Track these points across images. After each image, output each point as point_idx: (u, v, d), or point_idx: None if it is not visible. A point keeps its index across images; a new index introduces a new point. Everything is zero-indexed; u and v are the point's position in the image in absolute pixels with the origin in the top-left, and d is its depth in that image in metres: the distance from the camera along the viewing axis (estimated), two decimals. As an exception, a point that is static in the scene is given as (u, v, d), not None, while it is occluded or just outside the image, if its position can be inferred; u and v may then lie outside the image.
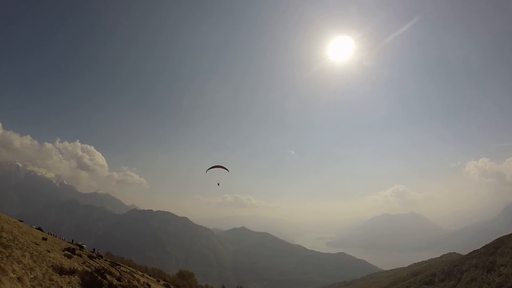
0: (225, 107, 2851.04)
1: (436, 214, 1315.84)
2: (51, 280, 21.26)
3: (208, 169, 76.45)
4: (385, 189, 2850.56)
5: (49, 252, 33.85)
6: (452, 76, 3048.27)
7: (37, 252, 28.46)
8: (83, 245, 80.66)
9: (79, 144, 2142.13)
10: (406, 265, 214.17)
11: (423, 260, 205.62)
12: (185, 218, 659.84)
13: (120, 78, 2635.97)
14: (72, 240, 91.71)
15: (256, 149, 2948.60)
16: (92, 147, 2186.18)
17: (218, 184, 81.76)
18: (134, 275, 64.86)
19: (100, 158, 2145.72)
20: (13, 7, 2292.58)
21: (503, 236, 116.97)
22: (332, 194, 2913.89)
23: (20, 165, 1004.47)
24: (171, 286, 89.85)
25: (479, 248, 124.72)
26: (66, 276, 25.56)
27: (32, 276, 19.08)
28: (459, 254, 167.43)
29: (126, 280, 44.94)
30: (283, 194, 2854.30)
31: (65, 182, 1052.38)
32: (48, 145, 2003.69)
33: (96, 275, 31.45)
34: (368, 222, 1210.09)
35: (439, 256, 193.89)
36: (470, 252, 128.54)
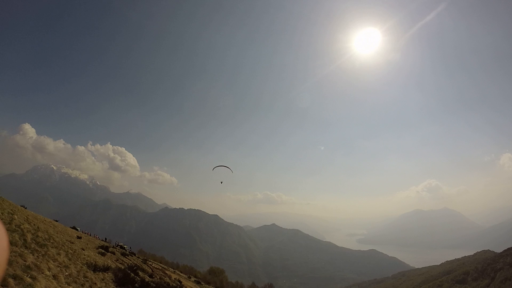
0: (250, 103, 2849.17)
1: (470, 209, 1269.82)
2: (85, 277, 21.91)
3: (214, 168, 79.62)
4: (417, 184, 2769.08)
5: (83, 250, 35.03)
6: (483, 64, 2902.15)
7: (72, 250, 29.47)
8: (124, 246, 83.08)
9: (110, 146, 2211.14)
10: (439, 263, 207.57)
11: (456, 258, 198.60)
12: (216, 216, 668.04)
13: (148, 80, 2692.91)
14: (106, 238, 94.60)
15: (285, 146, 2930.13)
16: (123, 148, 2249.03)
17: (221, 182, 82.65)
18: (166, 271, 66.10)
19: (131, 158, 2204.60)
20: (40, 15, 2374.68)
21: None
22: (363, 191, 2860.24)
23: (54, 168, 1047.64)
24: (202, 283, 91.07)
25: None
26: (100, 273, 26.32)
27: (67, 273, 19.70)
28: (493, 251, 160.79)
29: (158, 277, 45.86)
30: (314, 191, 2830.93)
31: (98, 183, 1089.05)
32: (81, 148, 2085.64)
33: (128, 271, 32.25)
34: (399, 218, 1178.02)
35: (472, 253, 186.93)
36: (505, 250, 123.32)
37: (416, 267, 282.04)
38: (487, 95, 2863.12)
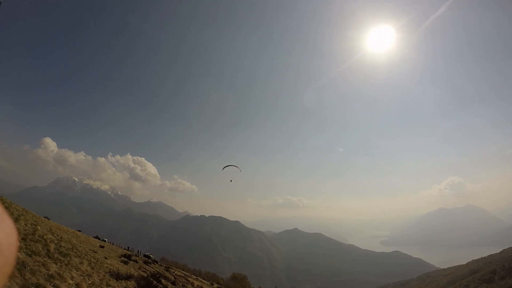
0: (268, 108, 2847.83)
1: (494, 205, 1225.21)
2: (108, 285, 21.98)
3: (224, 167, 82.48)
4: (439, 182, 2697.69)
5: (106, 258, 35.33)
6: (495, 55, 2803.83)
7: (94, 259, 29.73)
8: (150, 255, 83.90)
9: (130, 156, 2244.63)
10: (464, 263, 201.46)
11: (482, 256, 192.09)
12: (237, 222, 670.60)
13: (164, 92, 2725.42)
14: (128, 247, 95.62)
15: (304, 149, 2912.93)
16: (143, 158, 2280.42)
17: (231, 180, 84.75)
18: (188, 278, 66.18)
19: (151, 168, 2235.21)
20: (58, 30, 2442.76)
21: None
22: (384, 191, 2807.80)
23: (76, 179, 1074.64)
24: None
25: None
26: (123, 281, 26.41)
27: (90, 282, 19.78)
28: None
29: (181, 284, 45.88)
30: (335, 193, 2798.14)
31: (119, 192, 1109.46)
32: (101, 159, 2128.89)
33: (151, 279, 32.31)
34: (423, 218, 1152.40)
35: (499, 251, 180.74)
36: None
37: (442, 267, 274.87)
38: (503, 87, 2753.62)
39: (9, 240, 1.99)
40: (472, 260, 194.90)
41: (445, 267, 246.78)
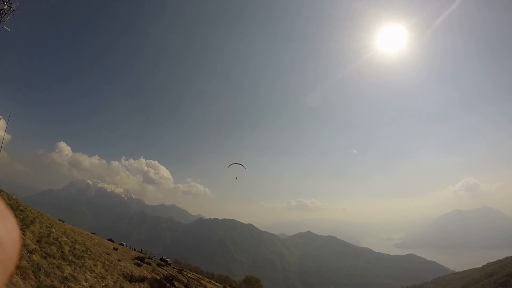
0: (275, 109, 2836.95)
1: (511, 207, 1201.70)
2: (121, 287, 22.08)
3: (230, 165, 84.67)
4: (454, 183, 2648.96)
5: (119, 261, 35.55)
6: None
7: (108, 262, 29.93)
8: (167, 259, 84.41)
9: (143, 160, 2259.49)
10: (480, 265, 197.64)
11: (498, 259, 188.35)
12: (250, 225, 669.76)
13: (173, 95, 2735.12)
14: (142, 250, 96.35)
15: (317, 151, 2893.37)
16: (156, 162, 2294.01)
17: (236, 178, 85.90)
18: (201, 281, 66.27)
19: (164, 171, 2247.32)
20: (68, 33, 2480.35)
21: None
22: (398, 192, 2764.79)
23: (90, 182, 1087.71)
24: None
25: None
26: (136, 283, 26.52)
27: (103, 284, 19.88)
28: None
29: (193, 286, 45.93)
30: (348, 195, 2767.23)
31: (133, 196, 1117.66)
32: (115, 163, 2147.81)
33: (164, 282, 32.41)
34: (438, 220, 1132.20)
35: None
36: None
37: (457, 270, 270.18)
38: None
39: (11, 236, 2.02)
40: (487, 263, 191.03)
41: (460, 270, 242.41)
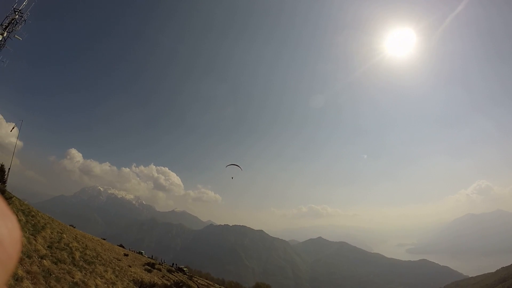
0: (285, 116, 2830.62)
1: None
2: (131, 293, 22.03)
3: (228, 165, 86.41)
4: (466, 186, 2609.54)
5: (130, 267, 35.56)
6: None
7: (119, 267, 29.95)
8: (184, 268, 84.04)
9: (154, 166, 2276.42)
10: (494, 270, 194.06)
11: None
12: (261, 231, 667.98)
13: (181, 102, 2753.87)
14: (152, 256, 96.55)
15: (328, 157, 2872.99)
16: (166, 168, 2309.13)
17: (232, 177, 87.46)
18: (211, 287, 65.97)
19: (175, 178, 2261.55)
20: (79, 41, 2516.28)
21: None
22: (410, 198, 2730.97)
23: (101, 189, 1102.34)
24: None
25: None
26: (146, 289, 26.46)
27: (113, 290, 19.86)
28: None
29: (204, 293, 45.69)
30: (359, 201, 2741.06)
31: (143, 202, 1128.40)
32: (126, 170, 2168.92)
33: (174, 288, 32.28)
34: (450, 224, 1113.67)
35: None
36: None
37: (470, 275, 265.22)
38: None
39: (12, 235, 2.01)
40: (502, 267, 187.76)
41: (474, 275, 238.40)
